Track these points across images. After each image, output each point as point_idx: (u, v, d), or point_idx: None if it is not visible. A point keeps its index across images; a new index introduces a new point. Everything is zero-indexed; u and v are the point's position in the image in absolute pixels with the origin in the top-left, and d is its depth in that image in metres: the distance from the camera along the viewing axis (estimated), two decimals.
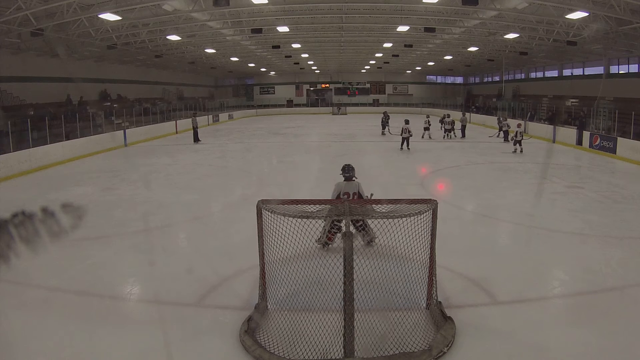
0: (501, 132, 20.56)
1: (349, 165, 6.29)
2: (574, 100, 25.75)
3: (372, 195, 6.24)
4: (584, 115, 20.56)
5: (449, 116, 22.20)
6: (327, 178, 12.80)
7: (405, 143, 17.00)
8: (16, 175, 12.66)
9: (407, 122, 17.37)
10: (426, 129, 21.07)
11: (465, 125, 22.10)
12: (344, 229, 6.00)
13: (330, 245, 6.06)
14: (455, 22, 20.25)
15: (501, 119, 21.67)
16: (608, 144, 16.07)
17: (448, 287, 5.01)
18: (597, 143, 16.82)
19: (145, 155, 17.04)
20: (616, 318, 4.47)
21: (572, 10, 15.30)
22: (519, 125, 17.14)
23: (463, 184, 11.50)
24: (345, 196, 6.06)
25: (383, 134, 22.59)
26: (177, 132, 25.24)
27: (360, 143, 20.59)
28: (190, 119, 21.75)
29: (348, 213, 3.94)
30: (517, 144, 16.31)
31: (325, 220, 5.35)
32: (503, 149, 17.57)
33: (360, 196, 6.11)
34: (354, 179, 6.27)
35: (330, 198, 6.04)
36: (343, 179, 6.27)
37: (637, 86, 21.59)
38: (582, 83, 26.88)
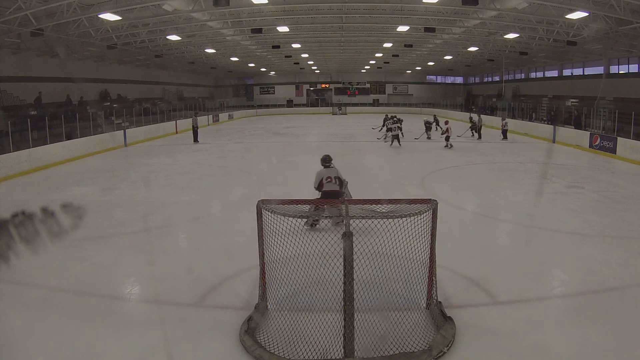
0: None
1: (327, 155, 7.32)
2: (574, 100, 25.73)
3: (346, 182, 7.32)
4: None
5: (447, 122, 22.05)
6: None
7: (394, 140, 18.20)
8: (16, 175, 12.65)
9: (400, 121, 19.08)
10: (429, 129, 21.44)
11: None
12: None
13: (317, 226, 6.76)
14: (455, 22, 20.25)
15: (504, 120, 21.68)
16: (608, 144, 16.06)
17: (448, 287, 5.01)
18: (597, 143, 16.80)
19: (145, 155, 17.03)
20: (616, 318, 4.47)
21: (572, 10, 15.30)
22: (446, 122, 18.33)
23: (463, 184, 11.50)
24: (328, 180, 7.01)
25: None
26: (177, 132, 25.25)
27: (360, 143, 20.58)
28: (191, 119, 21.78)
29: (347, 213, 3.94)
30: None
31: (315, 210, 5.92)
32: (503, 149, 17.60)
33: (339, 179, 7.08)
34: (331, 166, 7.23)
35: (313, 185, 7.14)
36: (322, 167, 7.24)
37: (637, 86, 21.58)
38: (582, 83, 26.86)
